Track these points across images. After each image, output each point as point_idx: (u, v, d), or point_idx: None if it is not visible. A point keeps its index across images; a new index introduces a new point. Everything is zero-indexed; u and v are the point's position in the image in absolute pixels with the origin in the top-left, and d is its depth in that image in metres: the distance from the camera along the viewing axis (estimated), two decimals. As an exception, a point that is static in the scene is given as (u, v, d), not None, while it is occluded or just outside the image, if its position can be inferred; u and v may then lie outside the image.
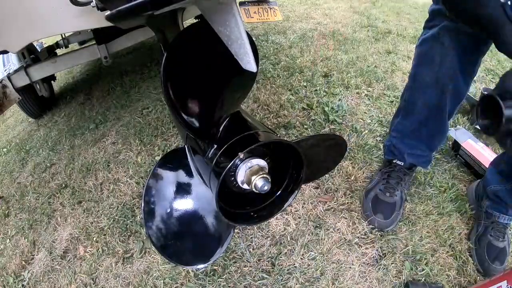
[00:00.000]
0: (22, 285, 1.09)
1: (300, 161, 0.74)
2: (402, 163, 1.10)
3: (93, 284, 1.02)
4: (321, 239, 1.01)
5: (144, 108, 1.83)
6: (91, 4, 0.79)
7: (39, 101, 2.11)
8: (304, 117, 1.54)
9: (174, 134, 1.55)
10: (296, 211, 1.11)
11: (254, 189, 0.67)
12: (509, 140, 0.56)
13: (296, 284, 0.91)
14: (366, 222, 1.05)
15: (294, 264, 0.96)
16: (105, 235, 1.15)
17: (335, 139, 0.88)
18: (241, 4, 1.45)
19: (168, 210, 0.82)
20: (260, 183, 0.65)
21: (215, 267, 0.97)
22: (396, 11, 3.22)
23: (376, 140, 1.38)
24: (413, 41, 2.39)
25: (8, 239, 1.29)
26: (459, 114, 1.53)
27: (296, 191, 0.79)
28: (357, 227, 1.05)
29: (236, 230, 1.04)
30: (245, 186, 0.70)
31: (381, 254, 0.97)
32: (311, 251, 0.99)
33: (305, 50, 2.26)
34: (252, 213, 0.79)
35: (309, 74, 1.90)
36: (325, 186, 1.18)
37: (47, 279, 1.08)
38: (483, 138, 1.40)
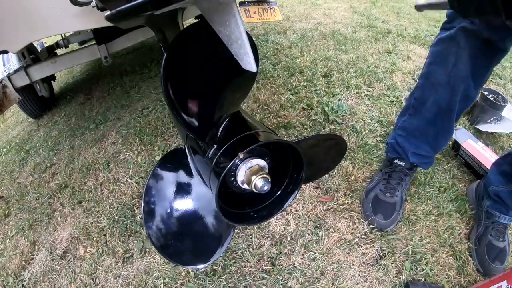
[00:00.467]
0: (22, 285, 1.09)
1: (300, 161, 0.74)
2: (403, 164, 1.10)
3: (93, 284, 1.02)
4: (321, 239, 1.01)
5: (144, 108, 1.83)
6: (91, 4, 0.79)
7: (39, 101, 2.11)
8: (304, 117, 1.54)
9: (174, 134, 1.55)
10: (296, 211, 1.11)
11: (254, 189, 0.67)
12: None
13: (296, 284, 0.91)
14: (366, 222, 1.05)
15: (294, 264, 0.96)
16: (105, 235, 1.15)
17: (335, 139, 0.88)
18: (241, 4, 1.44)
19: (168, 210, 0.82)
20: (260, 183, 0.65)
21: (215, 267, 0.97)
22: (396, 11, 3.22)
23: (376, 140, 1.38)
24: (413, 41, 2.39)
25: (8, 239, 1.29)
26: (459, 114, 1.53)
27: (296, 191, 0.79)
28: (357, 227, 1.05)
29: (236, 230, 1.04)
30: (245, 186, 0.70)
31: (381, 254, 0.97)
32: (311, 251, 0.99)
33: (305, 50, 2.26)
34: (252, 213, 0.79)
35: (309, 74, 1.90)
36: (325, 186, 1.18)
37: (47, 279, 1.08)
38: (483, 138, 1.41)
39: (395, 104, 1.60)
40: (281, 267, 0.95)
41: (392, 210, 1.04)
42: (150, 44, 2.92)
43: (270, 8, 1.55)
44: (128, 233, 1.13)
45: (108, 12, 0.52)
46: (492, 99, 1.46)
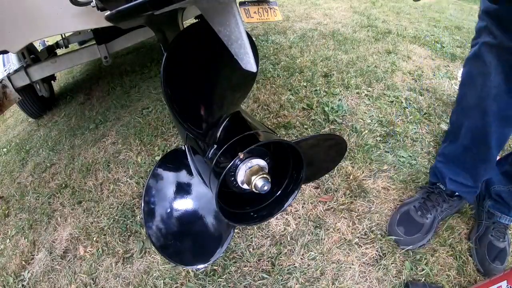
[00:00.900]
0: (22, 285, 1.09)
1: (300, 161, 0.74)
2: (444, 188, 1.05)
3: (93, 284, 1.02)
4: (321, 239, 1.01)
5: (144, 108, 1.83)
6: (91, 4, 0.79)
7: (39, 101, 2.11)
8: (304, 117, 1.54)
9: (174, 134, 1.55)
10: (296, 211, 1.11)
11: (254, 189, 0.67)
12: None
13: (296, 284, 0.91)
14: (387, 231, 1.02)
15: (294, 264, 0.96)
16: (105, 235, 1.15)
17: (335, 139, 0.88)
18: (241, 4, 1.44)
19: (168, 210, 0.82)
20: (260, 183, 0.65)
21: (215, 267, 0.97)
22: (396, 11, 3.22)
23: (376, 140, 1.38)
24: (413, 41, 2.39)
25: (8, 239, 1.29)
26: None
27: (296, 191, 0.79)
28: (357, 227, 1.04)
29: (236, 230, 1.04)
30: (245, 186, 0.70)
31: (381, 254, 0.97)
32: (311, 251, 0.99)
33: (305, 50, 2.26)
34: (252, 213, 0.79)
35: (309, 74, 1.90)
36: (325, 186, 1.18)
37: (47, 279, 1.08)
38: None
39: (395, 104, 1.60)
40: (281, 267, 0.95)
41: (417, 229, 0.98)
42: (150, 44, 2.92)
43: (270, 8, 1.55)
44: (128, 233, 1.13)
45: (108, 12, 0.52)
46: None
